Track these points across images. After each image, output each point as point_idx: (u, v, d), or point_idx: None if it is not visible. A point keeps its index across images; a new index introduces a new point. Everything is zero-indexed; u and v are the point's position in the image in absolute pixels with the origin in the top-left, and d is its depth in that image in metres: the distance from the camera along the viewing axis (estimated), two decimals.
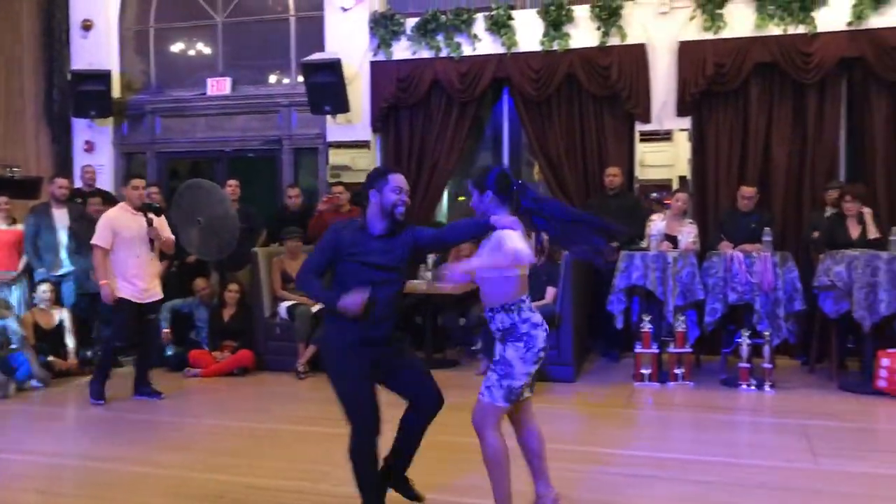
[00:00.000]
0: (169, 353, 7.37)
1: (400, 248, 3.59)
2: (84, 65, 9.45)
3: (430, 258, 7.88)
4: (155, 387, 6.35)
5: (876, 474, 4.38)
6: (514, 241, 3.25)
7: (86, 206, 7.72)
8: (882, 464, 4.57)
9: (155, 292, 6.25)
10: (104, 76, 9.30)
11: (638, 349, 6.62)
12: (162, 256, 6.59)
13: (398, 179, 3.62)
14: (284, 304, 7.36)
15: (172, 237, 6.39)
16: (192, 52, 10.03)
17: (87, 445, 5.16)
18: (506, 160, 8.72)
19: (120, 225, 6.07)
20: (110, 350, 6.34)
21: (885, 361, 6.01)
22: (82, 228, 7.52)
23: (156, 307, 6.37)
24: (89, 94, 9.27)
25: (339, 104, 8.48)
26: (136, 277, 6.09)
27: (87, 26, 9.62)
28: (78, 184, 8.67)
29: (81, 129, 9.74)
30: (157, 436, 5.35)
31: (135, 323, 6.16)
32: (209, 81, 9.50)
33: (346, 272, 3.52)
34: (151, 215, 6.14)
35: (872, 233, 6.40)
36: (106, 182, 9.32)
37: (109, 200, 8.21)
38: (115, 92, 9.57)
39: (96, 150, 9.70)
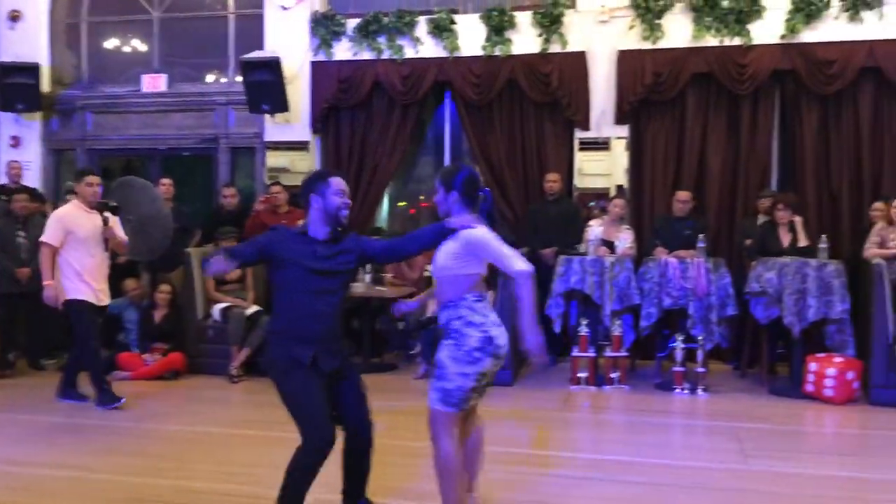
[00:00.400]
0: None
1: (344, 255, 3.51)
2: (11, 57, 9.11)
3: None
4: (81, 391, 6.12)
5: (803, 474, 4.48)
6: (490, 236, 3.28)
7: (10, 202, 7.42)
8: (809, 464, 4.68)
9: (106, 295, 6.02)
10: (32, 69, 8.99)
11: (575, 353, 6.67)
12: (112, 258, 6.32)
13: (339, 182, 3.52)
14: (218, 307, 7.20)
15: (126, 238, 6.17)
16: (126, 48, 9.77)
17: (11, 450, 4.94)
18: (447, 164, 8.70)
19: (73, 223, 5.79)
20: (90, 355, 5.92)
21: (813, 366, 6.17)
22: (6, 225, 7.25)
23: (104, 310, 6.12)
24: (17, 87, 8.94)
25: (278, 103, 8.36)
26: (92, 279, 5.82)
27: (14, 17, 9.28)
28: (3, 180, 8.35)
29: (8, 124, 9.38)
30: (85, 439, 5.16)
31: (97, 323, 5.93)
32: (144, 78, 9.26)
33: (288, 279, 3.41)
34: (107, 214, 5.90)
35: (802, 240, 6.57)
36: (33, 179, 9.01)
37: (36, 197, 7.93)
38: (45, 86, 9.25)
39: (23, 146, 9.37)
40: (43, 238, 5.82)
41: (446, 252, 3.34)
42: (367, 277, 7.41)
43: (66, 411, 5.84)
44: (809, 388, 6.18)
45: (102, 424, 5.53)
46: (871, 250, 6.40)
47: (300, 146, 8.61)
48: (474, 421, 3.59)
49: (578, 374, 6.62)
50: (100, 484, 4.23)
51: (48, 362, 7.51)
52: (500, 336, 3.31)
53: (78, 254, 5.80)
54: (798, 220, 6.67)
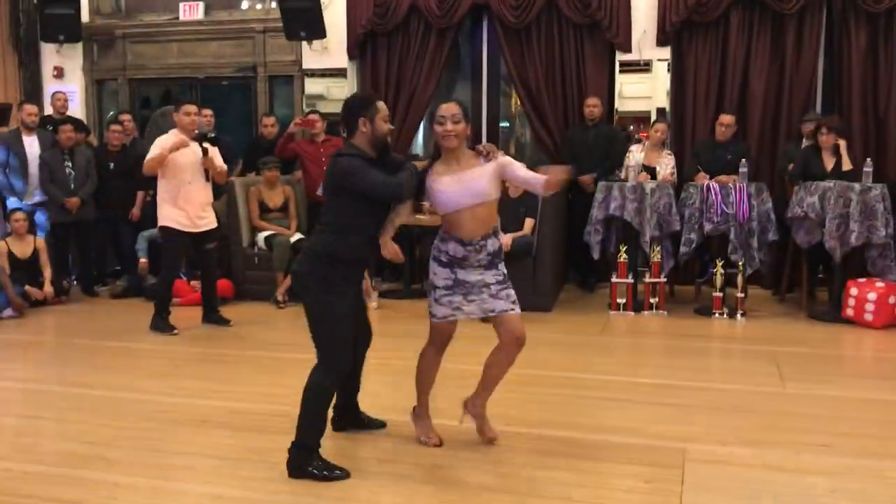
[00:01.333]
0: (147, 283, 7.35)
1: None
2: None
3: None
4: (223, 314, 6.39)
5: (840, 397, 4.54)
6: None
7: (56, 133, 7.58)
8: (846, 387, 4.73)
9: (209, 221, 6.17)
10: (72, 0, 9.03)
11: (614, 279, 6.72)
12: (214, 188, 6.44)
13: (385, 108, 3.57)
14: (262, 234, 7.35)
15: (225, 167, 6.28)
16: None
17: (68, 372, 5.18)
18: (484, 90, 8.64)
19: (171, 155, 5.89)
20: (165, 282, 6.20)
21: (853, 291, 6.16)
22: (53, 156, 7.42)
23: (212, 236, 6.28)
24: (57, 18, 9.00)
25: (316, 30, 8.31)
26: (187, 204, 5.97)
27: None
28: (48, 111, 8.49)
29: (50, 55, 9.48)
30: (139, 363, 5.39)
31: (186, 251, 6.12)
32: (181, 6, 9.24)
33: (361, 204, 3.44)
34: (206, 145, 6.02)
35: (847, 164, 6.47)
36: (76, 109, 9.14)
37: (81, 128, 8.07)
38: (85, 16, 9.30)
39: (66, 76, 9.47)
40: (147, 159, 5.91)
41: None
42: (407, 206, 7.46)
43: (119, 336, 6.08)
44: (849, 312, 6.18)
45: (154, 349, 5.76)
46: None
47: (338, 73, 8.59)
48: None
49: (617, 300, 6.68)
50: (151, 405, 4.44)
51: (101, 289, 7.78)
52: None
53: (174, 181, 5.94)
54: (842, 143, 6.55)
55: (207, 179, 6.12)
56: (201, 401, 4.51)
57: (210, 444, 3.89)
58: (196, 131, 6.04)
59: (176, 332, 6.07)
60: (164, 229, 6.04)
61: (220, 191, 7.65)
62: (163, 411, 4.35)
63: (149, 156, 5.94)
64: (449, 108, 3.54)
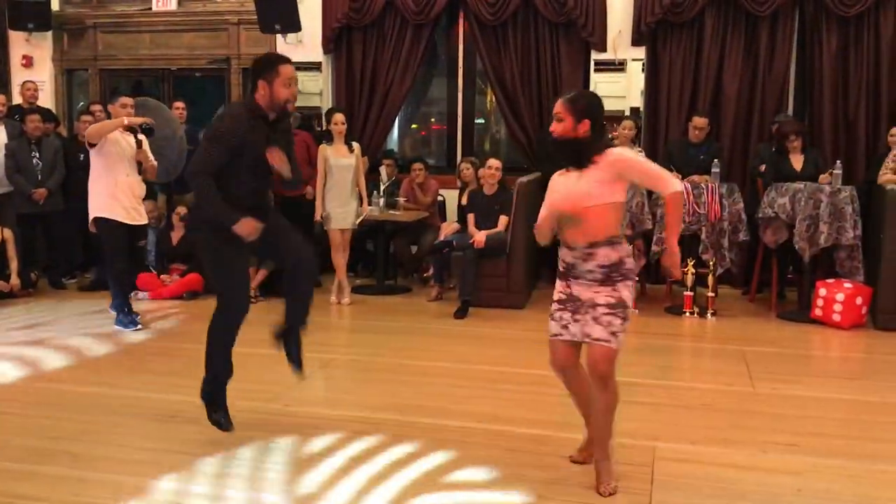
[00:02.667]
0: None
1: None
2: None
3: (382, 186, 7.84)
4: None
5: (807, 396, 4.59)
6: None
7: (24, 123, 7.45)
8: (813, 387, 4.79)
9: (142, 215, 6.08)
10: None
11: None
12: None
13: (290, 73, 3.58)
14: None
15: (156, 163, 6.21)
16: None
17: (34, 367, 5.10)
18: (460, 86, 8.63)
19: (110, 138, 5.79)
20: (118, 275, 6.03)
21: (822, 291, 6.23)
22: (20, 146, 7.29)
23: (143, 232, 6.20)
24: (26, 6, 8.84)
25: (290, 23, 8.24)
26: (124, 195, 5.87)
27: None
28: (17, 100, 8.34)
29: (19, 43, 9.31)
30: (106, 358, 5.32)
31: (127, 243, 6.02)
32: None
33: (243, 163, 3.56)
34: (141, 137, 5.92)
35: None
36: (45, 99, 8.98)
37: (50, 119, 7.94)
38: (55, 4, 9.15)
39: (35, 66, 9.31)
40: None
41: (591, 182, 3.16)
42: (381, 201, 7.45)
43: (88, 330, 5.99)
44: (818, 312, 6.26)
45: (124, 343, 5.69)
46: (885, 176, 6.38)
47: (312, 67, 8.52)
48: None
49: None
50: (123, 400, 4.39)
51: (69, 281, 7.67)
52: None
53: (109, 171, 5.84)
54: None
55: (140, 173, 6.04)
56: (169, 395, 4.46)
57: (177, 439, 3.85)
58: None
59: (140, 327, 5.98)
60: (101, 221, 5.87)
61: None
62: (129, 406, 4.30)
63: (98, 124, 5.85)
64: (555, 106, 3.28)
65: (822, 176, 6.38)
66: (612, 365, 3.20)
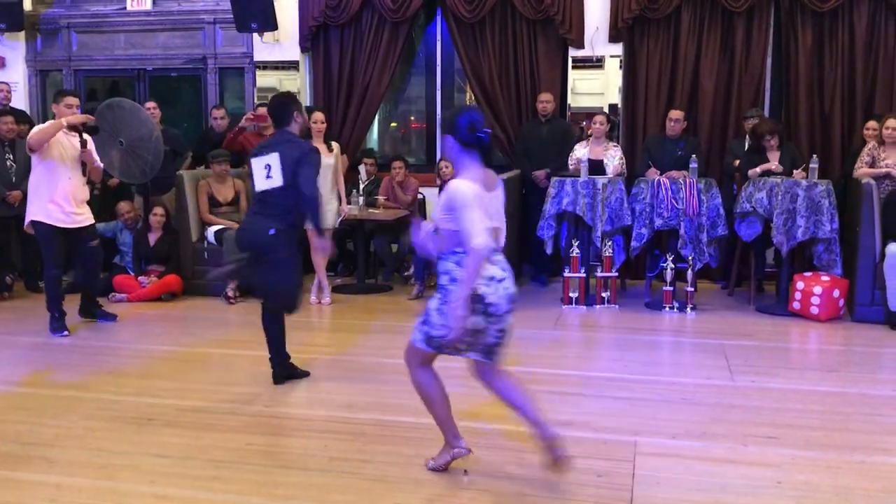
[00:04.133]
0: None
1: None
2: None
3: (362, 185, 7.81)
4: (105, 309, 6.29)
5: (786, 389, 4.62)
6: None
7: None
8: (793, 380, 4.82)
9: (85, 217, 5.97)
10: None
11: (566, 273, 6.75)
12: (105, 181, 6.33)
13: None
14: (212, 229, 7.22)
15: (101, 165, 6.12)
16: None
17: (9, 371, 5.03)
18: (438, 84, 8.61)
19: (53, 141, 5.66)
20: (51, 280, 5.95)
21: (800, 285, 6.28)
22: None
23: (92, 232, 6.09)
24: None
25: (267, 21, 8.19)
26: (64, 200, 5.75)
27: None
28: None
29: None
30: (85, 361, 5.25)
31: (63, 248, 5.92)
32: None
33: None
34: (86, 136, 5.82)
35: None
36: (19, 100, 8.87)
37: (23, 120, 7.84)
38: (27, 4, 9.04)
39: (8, 67, 9.20)
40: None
41: (438, 204, 3.24)
42: (361, 200, 7.43)
43: (62, 333, 5.92)
44: (796, 305, 6.30)
45: (101, 346, 5.63)
46: (861, 170, 6.43)
47: (290, 66, 8.48)
48: (496, 374, 3.44)
49: (570, 294, 6.72)
50: (100, 403, 4.34)
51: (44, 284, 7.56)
52: (493, 295, 3.12)
53: (51, 174, 5.71)
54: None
55: (84, 174, 5.96)
56: (147, 399, 4.41)
57: (155, 442, 3.80)
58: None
59: (67, 333, 5.86)
60: (36, 224, 5.77)
61: (166, 184, 7.55)
62: (106, 409, 4.25)
63: (38, 128, 5.72)
64: None
65: (796, 171, 6.42)
66: (409, 358, 3.38)
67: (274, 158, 4.43)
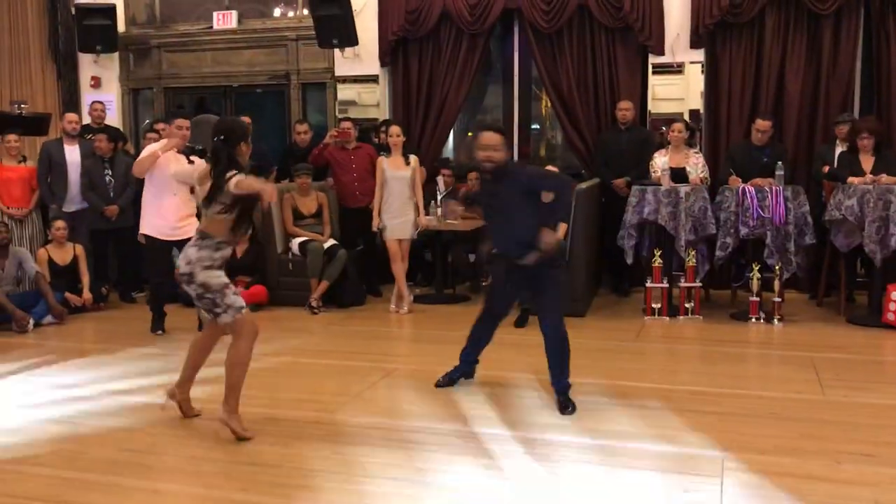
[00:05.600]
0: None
1: None
2: None
3: (440, 195, 7.88)
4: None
5: (881, 405, 4.45)
6: None
7: (94, 142, 7.70)
8: (887, 395, 4.64)
9: (190, 228, 6.25)
10: (108, 10, 9.19)
11: (648, 284, 6.66)
12: None
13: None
14: (296, 241, 7.40)
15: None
16: None
17: (106, 380, 5.24)
18: (516, 94, 8.63)
19: (160, 161, 6.06)
20: (154, 286, 6.52)
21: (894, 295, 6.04)
22: (94, 165, 7.54)
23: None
24: (94, 29, 9.17)
25: (347, 37, 8.36)
26: (171, 215, 6.15)
27: None
28: (86, 120, 8.63)
29: (87, 65, 9.64)
30: (175, 370, 5.41)
31: (168, 260, 6.25)
32: (215, 15, 9.36)
33: None
34: (194, 157, 6.12)
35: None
36: (113, 118, 9.28)
37: (117, 137, 8.19)
38: (120, 26, 9.46)
39: (103, 86, 9.63)
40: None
41: None
42: (439, 211, 7.49)
43: (156, 343, 6.16)
44: (890, 317, 6.07)
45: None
46: None
47: (370, 79, 8.63)
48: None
49: (652, 305, 6.63)
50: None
51: (138, 295, 7.88)
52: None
53: (158, 191, 6.12)
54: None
55: (192, 192, 6.19)
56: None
57: (246, 451, 3.91)
58: (186, 144, 6.15)
59: (161, 332, 6.34)
60: (146, 238, 6.26)
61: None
62: (198, 418, 4.38)
63: (140, 156, 6.18)
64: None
65: (884, 177, 6.17)
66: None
67: None
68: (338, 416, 4.39)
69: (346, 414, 4.42)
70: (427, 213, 7.34)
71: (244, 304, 4.13)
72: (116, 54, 9.55)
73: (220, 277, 4.05)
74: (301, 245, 7.35)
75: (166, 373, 5.33)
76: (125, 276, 7.92)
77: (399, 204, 6.98)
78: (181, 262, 4.07)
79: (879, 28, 7.27)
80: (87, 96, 9.41)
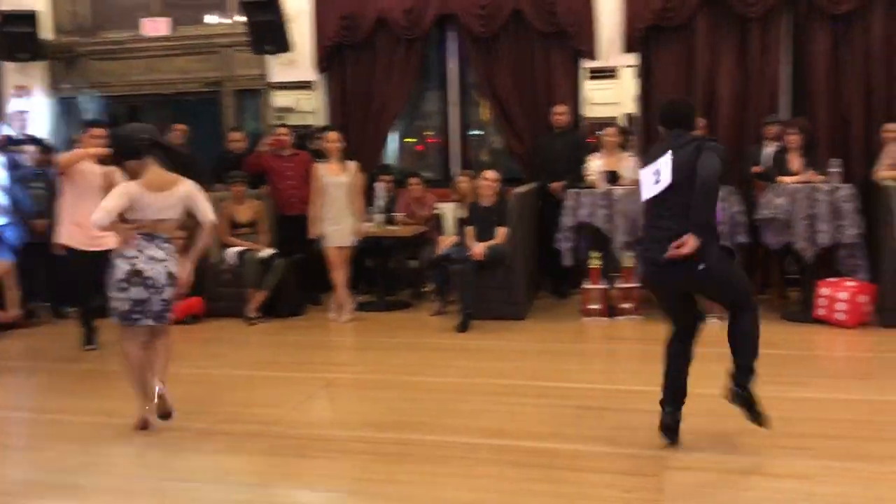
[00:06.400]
0: None
1: None
2: (10, 5, 9.00)
3: (382, 200, 7.81)
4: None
5: (813, 398, 4.56)
6: None
7: (20, 153, 7.44)
8: (819, 389, 4.76)
9: (104, 241, 6.06)
10: (30, 17, 8.90)
11: (586, 285, 6.72)
12: None
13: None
14: (232, 251, 7.26)
15: None
16: None
17: (37, 398, 5.07)
18: (454, 99, 8.63)
19: (84, 168, 5.85)
20: (81, 300, 6.25)
21: (824, 291, 6.20)
22: (21, 177, 7.28)
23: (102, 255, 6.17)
24: (17, 36, 8.86)
25: (281, 43, 8.26)
26: (87, 222, 5.87)
27: None
28: (9, 130, 8.34)
29: (11, 73, 9.33)
30: (109, 385, 5.27)
31: (91, 270, 6.02)
32: (145, 22, 9.15)
33: None
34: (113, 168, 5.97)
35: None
36: (40, 128, 8.98)
37: (46, 148, 7.93)
38: (46, 33, 9.17)
39: (28, 95, 9.32)
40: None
41: None
42: (379, 217, 7.44)
43: (87, 358, 5.97)
44: (821, 312, 6.22)
45: (123, 371, 5.64)
46: (881, 171, 6.36)
47: (305, 86, 8.54)
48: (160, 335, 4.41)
49: (590, 306, 6.68)
50: (123, 429, 4.34)
51: (70, 310, 7.63)
52: (148, 269, 4.20)
53: (77, 199, 5.86)
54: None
55: None
56: (173, 422, 4.40)
57: (182, 467, 3.80)
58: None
59: (93, 347, 6.12)
60: (65, 248, 6.03)
61: None
62: (132, 435, 4.25)
63: (67, 153, 6.01)
64: None
65: (812, 175, 6.33)
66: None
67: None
68: (276, 428, 4.30)
69: (285, 426, 4.34)
70: (367, 220, 7.28)
71: None
72: (42, 62, 9.25)
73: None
74: (238, 255, 7.21)
75: (97, 389, 5.18)
76: (55, 291, 7.65)
77: (337, 211, 6.91)
78: None
79: (805, 30, 7.47)
80: (12, 105, 9.09)
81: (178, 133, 7.81)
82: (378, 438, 4.07)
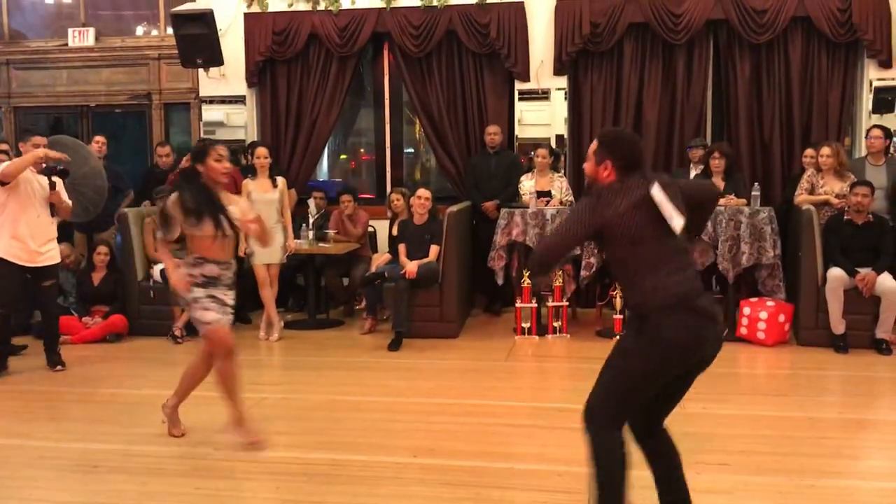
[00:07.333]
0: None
1: None
2: None
3: (312, 219, 7.76)
4: (61, 356, 6.01)
5: (735, 415, 4.68)
6: None
7: None
8: (740, 405, 4.88)
9: (50, 256, 5.82)
10: None
11: (518, 304, 6.77)
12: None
13: None
14: (159, 267, 7.08)
15: (70, 203, 6.00)
16: (50, 0, 9.37)
17: None
18: (387, 117, 8.64)
19: (26, 177, 5.59)
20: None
21: (746, 310, 6.39)
22: None
23: (52, 272, 5.93)
24: None
25: (212, 57, 8.13)
26: (29, 238, 5.64)
27: None
28: None
29: None
30: (26, 406, 5.08)
31: (19, 288, 5.76)
32: (70, 32, 8.92)
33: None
34: (56, 178, 5.74)
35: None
36: None
37: None
38: None
39: None
40: None
41: None
42: (310, 234, 7.37)
43: (4, 378, 5.73)
44: (743, 331, 6.41)
45: (44, 391, 5.45)
46: (801, 196, 6.60)
47: (236, 100, 8.43)
48: None
49: (522, 325, 6.74)
50: (43, 451, 4.18)
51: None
52: None
53: (17, 212, 5.61)
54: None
55: (53, 214, 5.86)
56: (91, 445, 4.27)
57: (101, 490, 3.68)
58: (44, 165, 5.78)
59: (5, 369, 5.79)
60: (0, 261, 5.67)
61: (108, 222, 7.39)
62: (48, 458, 4.10)
63: (13, 160, 5.71)
64: None
65: (733, 198, 6.53)
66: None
67: None
68: (201, 449, 4.20)
69: (209, 447, 4.24)
70: (298, 237, 7.21)
71: (213, 318, 4.10)
72: None
73: (192, 293, 4.15)
74: (163, 272, 7.03)
75: (11, 410, 4.98)
76: None
77: (267, 227, 6.80)
78: None
79: (727, 58, 7.74)
80: None
81: (97, 145, 7.59)
82: (307, 459, 4.01)
